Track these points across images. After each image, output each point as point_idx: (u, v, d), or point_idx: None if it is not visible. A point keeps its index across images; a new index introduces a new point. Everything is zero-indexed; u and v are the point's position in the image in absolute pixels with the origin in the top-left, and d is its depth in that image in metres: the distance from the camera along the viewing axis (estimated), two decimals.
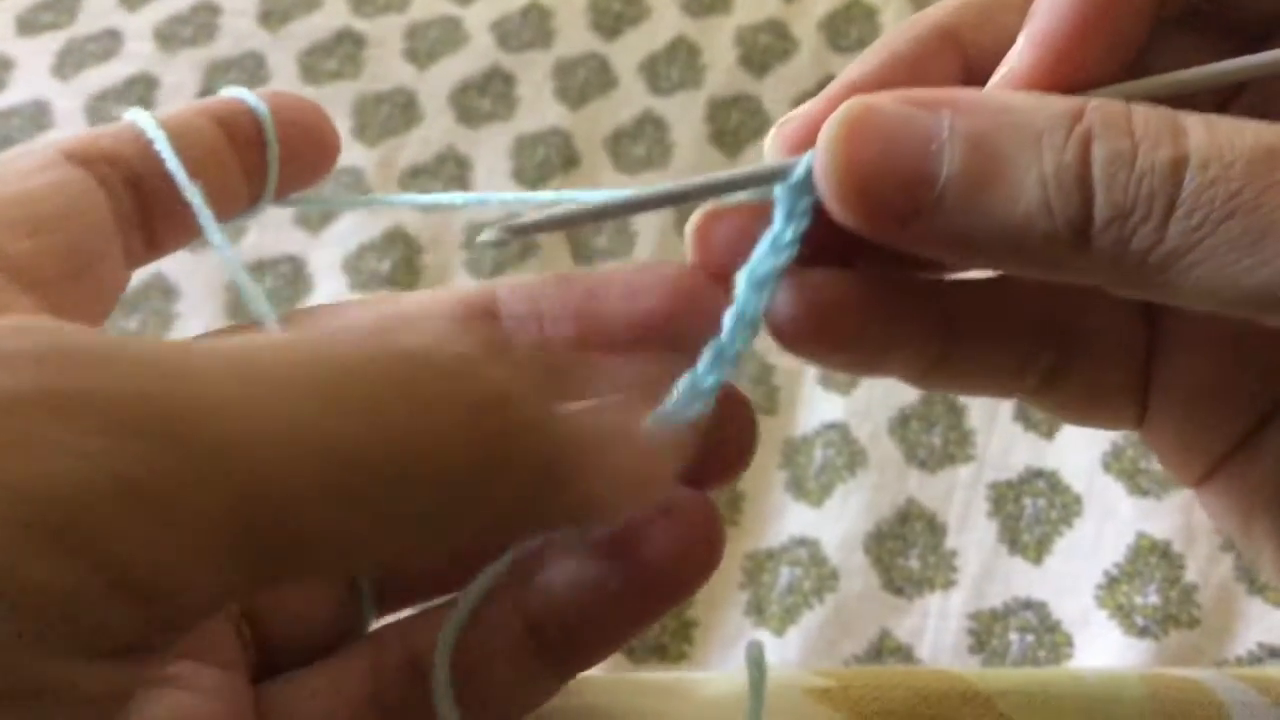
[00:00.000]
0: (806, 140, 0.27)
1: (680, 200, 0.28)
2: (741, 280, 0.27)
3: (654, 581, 0.27)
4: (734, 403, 0.28)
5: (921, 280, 0.30)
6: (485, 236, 0.27)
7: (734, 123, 0.88)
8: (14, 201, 0.26)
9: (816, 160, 0.25)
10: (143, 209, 0.29)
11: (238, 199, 0.31)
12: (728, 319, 0.26)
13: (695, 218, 0.29)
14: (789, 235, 0.27)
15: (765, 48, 0.92)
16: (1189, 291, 0.23)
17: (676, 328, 0.28)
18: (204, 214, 0.29)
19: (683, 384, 0.26)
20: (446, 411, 0.20)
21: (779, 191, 0.27)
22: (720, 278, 0.27)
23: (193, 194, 0.28)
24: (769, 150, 0.28)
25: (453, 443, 0.20)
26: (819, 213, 0.26)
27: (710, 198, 0.28)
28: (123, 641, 0.18)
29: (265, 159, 0.30)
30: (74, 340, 0.19)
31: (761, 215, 0.27)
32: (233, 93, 0.31)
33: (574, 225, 0.28)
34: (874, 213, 0.25)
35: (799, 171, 0.26)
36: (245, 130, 0.30)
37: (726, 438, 0.28)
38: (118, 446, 0.17)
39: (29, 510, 0.17)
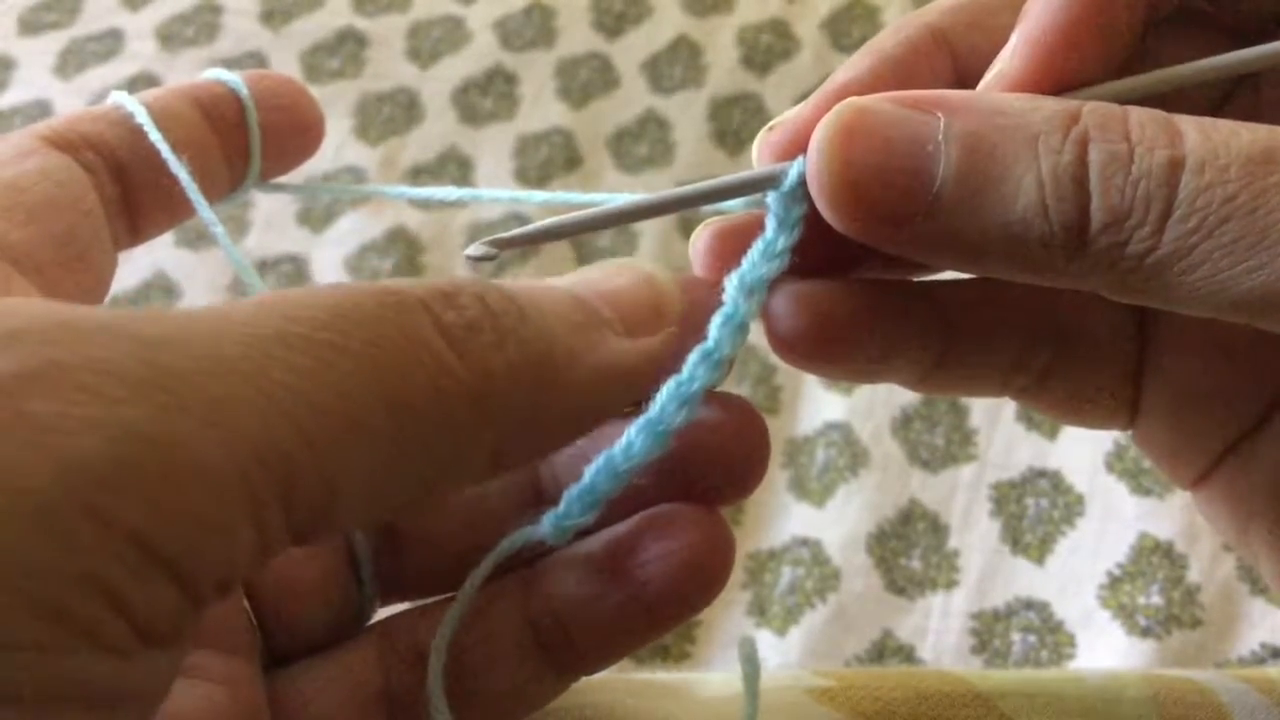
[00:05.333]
0: (795, 145, 0.26)
1: (673, 209, 0.27)
2: (732, 285, 0.26)
3: (658, 598, 0.27)
4: (745, 416, 0.28)
5: (917, 284, 0.29)
6: (472, 251, 0.26)
7: (736, 122, 0.88)
8: (1, 189, 0.26)
9: (810, 164, 0.25)
10: (126, 194, 0.29)
11: (219, 182, 0.30)
12: (715, 323, 0.26)
13: (699, 232, 0.28)
14: (781, 243, 0.26)
15: (767, 47, 0.92)
16: (1185, 296, 0.23)
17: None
18: (193, 191, 0.28)
19: (667, 389, 0.25)
20: (417, 344, 0.21)
21: (772, 199, 0.26)
22: (716, 284, 0.27)
23: (180, 172, 0.28)
24: (756, 155, 0.28)
25: (431, 373, 0.20)
26: (814, 221, 0.26)
27: (703, 205, 0.28)
28: (162, 623, 0.18)
29: (248, 142, 0.30)
30: (76, 314, 0.19)
31: (761, 224, 0.27)
32: (215, 74, 0.30)
33: (564, 236, 0.27)
34: (869, 216, 0.25)
35: (791, 177, 0.26)
36: (226, 114, 0.30)
37: (736, 451, 0.28)
38: (126, 414, 0.17)
39: (50, 496, 0.17)
